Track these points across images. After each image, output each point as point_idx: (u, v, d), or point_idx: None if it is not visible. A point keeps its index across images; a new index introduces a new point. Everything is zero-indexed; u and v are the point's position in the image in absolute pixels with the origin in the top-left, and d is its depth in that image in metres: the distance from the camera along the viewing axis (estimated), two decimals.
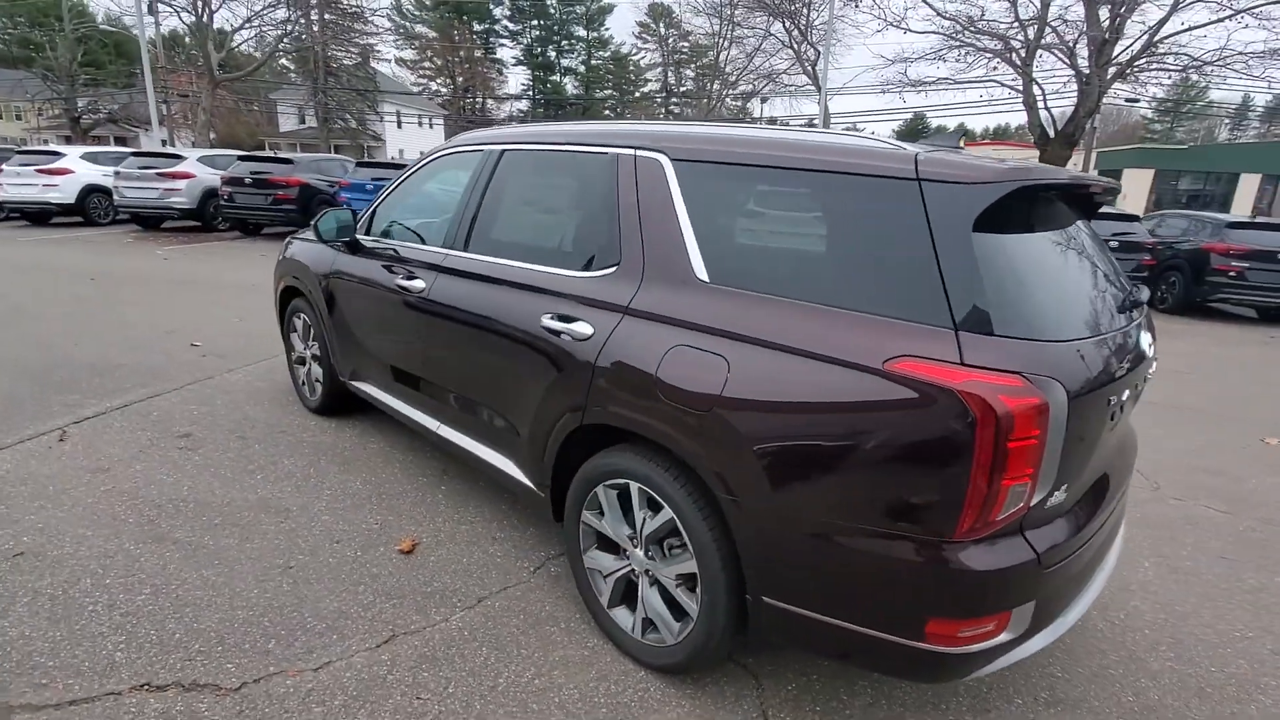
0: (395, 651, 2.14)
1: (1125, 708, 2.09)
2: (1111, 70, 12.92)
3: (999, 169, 1.55)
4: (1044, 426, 1.44)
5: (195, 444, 3.60)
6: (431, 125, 49.65)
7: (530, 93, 60.75)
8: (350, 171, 13.12)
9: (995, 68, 14.36)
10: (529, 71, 61.04)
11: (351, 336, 3.49)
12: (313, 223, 3.37)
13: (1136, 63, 12.83)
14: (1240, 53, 12.48)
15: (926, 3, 14.58)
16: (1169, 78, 13.78)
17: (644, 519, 2.04)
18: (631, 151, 2.20)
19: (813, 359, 1.62)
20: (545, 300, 2.29)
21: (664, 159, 2.09)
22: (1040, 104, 13.86)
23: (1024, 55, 13.78)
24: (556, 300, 2.26)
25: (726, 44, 43.12)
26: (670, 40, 54.67)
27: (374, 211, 3.43)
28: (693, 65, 54.33)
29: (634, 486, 2.04)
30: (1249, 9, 11.46)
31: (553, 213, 2.66)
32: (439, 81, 56.68)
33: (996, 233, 1.55)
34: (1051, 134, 13.84)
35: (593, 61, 63.51)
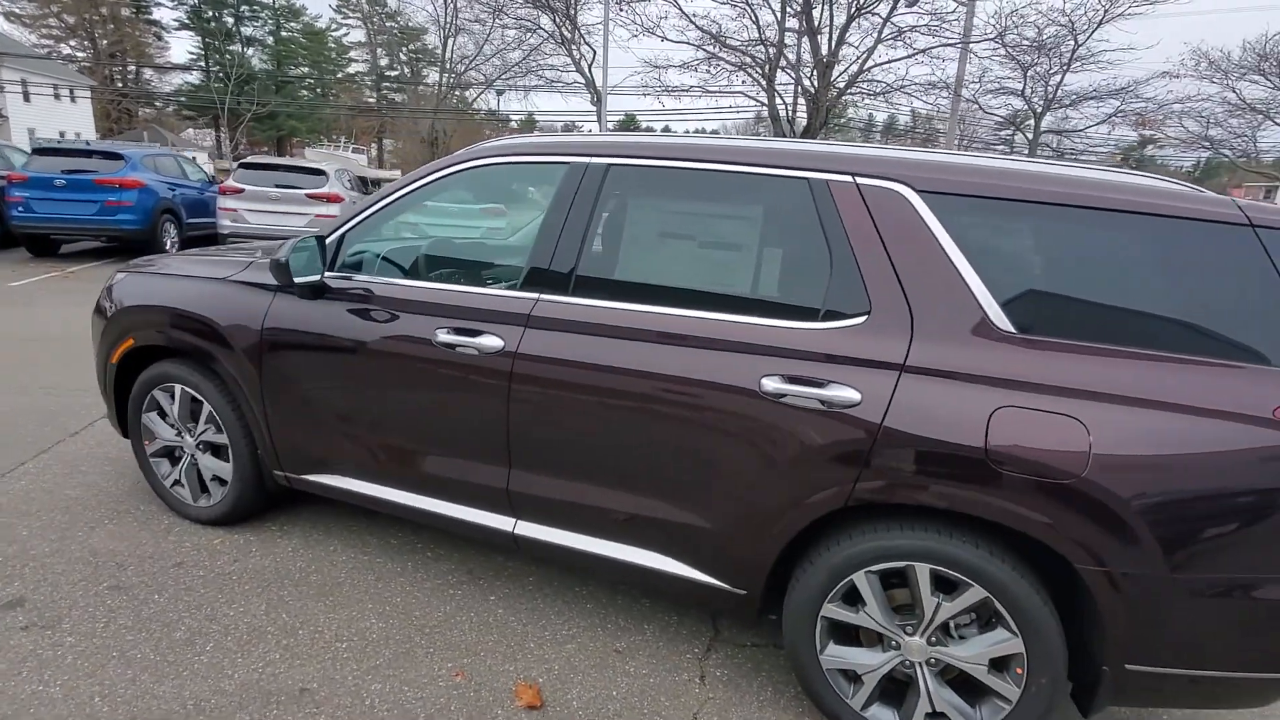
0: None
1: None
2: (833, 91, 15.36)
3: None
4: None
5: (42, 619, 2.24)
6: (74, 98, 38.46)
7: (204, 64, 50.73)
8: (30, 163, 9.52)
9: (744, 81, 16.07)
10: (199, 39, 50.80)
11: (316, 415, 2.48)
12: (276, 259, 2.27)
13: (851, 87, 15.45)
14: (914, 83, 15.87)
15: (681, 11, 15.61)
16: (874, 99, 16.81)
17: (937, 603, 1.78)
18: (845, 177, 1.88)
19: (1190, 413, 1.55)
20: (759, 360, 1.85)
21: (907, 191, 1.82)
22: (784, 115, 15.90)
23: (766, 71, 15.60)
24: (774, 359, 1.84)
25: (451, 30, 41.14)
26: (375, 19, 50.09)
27: (341, 240, 2.46)
28: (405, 49, 50.59)
29: (920, 568, 1.77)
30: (925, 49, 14.66)
31: (719, 248, 2.17)
32: (72, 44, 44.15)
33: None
34: None
35: (282, 33, 55.23)
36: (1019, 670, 1.75)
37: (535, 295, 2.12)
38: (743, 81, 16.19)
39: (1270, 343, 1.56)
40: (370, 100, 52.21)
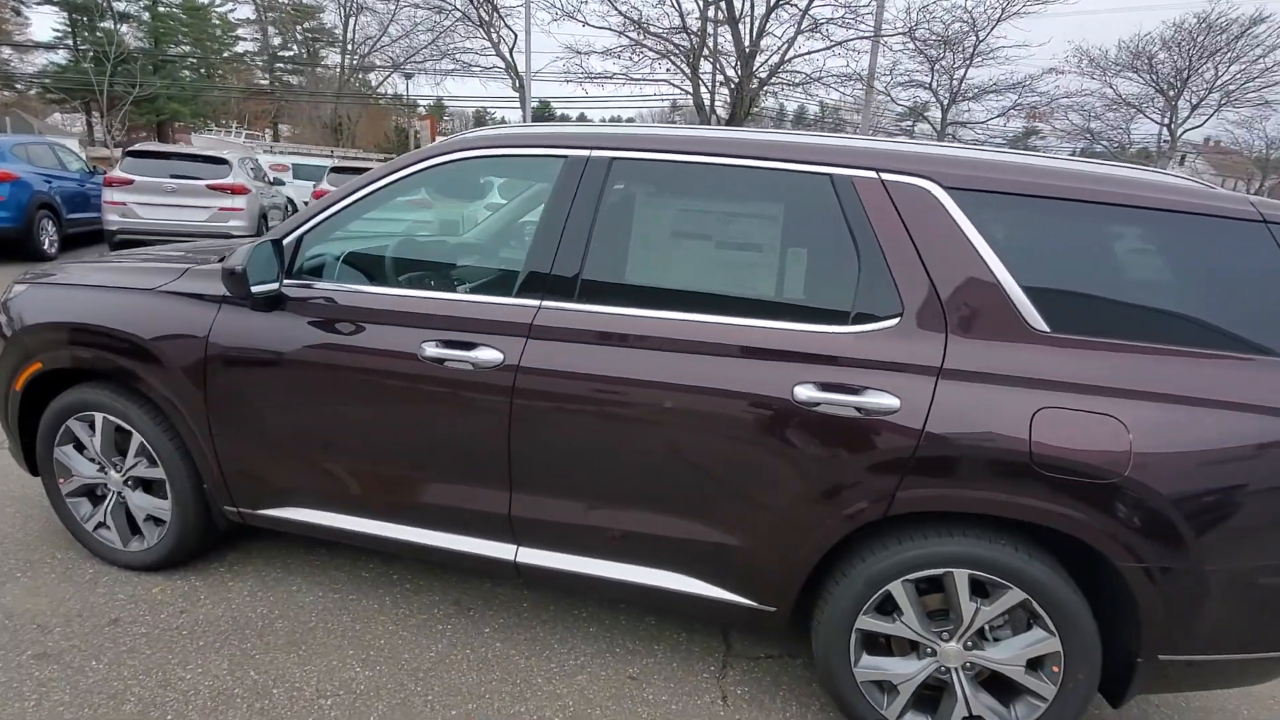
0: None
1: None
2: (755, 82, 15.54)
3: None
4: None
5: None
6: None
7: (72, 42, 45.63)
8: None
9: (668, 69, 15.99)
10: (65, 14, 45.59)
11: (276, 443, 2.19)
12: (231, 267, 1.96)
13: (774, 76, 15.67)
14: (831, 74, 16.30)
15: None
16: (794, 89, 17.11)
17: (975, 609, 1.75)
18: (870, 174, 1.80)
19: (1226, 407, 1.58)
20: (790, 367, 1.75)
21: (934, 187, 1.76)
22: (708, 105, 15.95)
23: (690, 60, 15.58)
24: (806, 366, 1.75)
25: (353, 9, 38.85)
26: None
27: (299, 242, 2.17)
28: (300, 27, 47.34)
29: (959, 574, 1.74)
30: (842, 42, 15.05)
31: (738, 248, 2.03)
32: None
33: None
34: None
35: (159, 8, 50.41)
36: (1055, 668, 1.75)
37: (537, 303, 1.94)
38: (666, 70, 16.11)
39: None
40: (263, 82, 48.58)
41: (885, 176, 1.79)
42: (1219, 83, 26.10)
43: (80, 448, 2.46)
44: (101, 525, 2.51)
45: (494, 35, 19.14)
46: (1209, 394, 1.58)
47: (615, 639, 2.33)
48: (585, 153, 1.97)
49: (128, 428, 2.35)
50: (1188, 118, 27.33)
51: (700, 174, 1.93)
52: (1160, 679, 1.74)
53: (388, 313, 2.06)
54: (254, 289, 1.99)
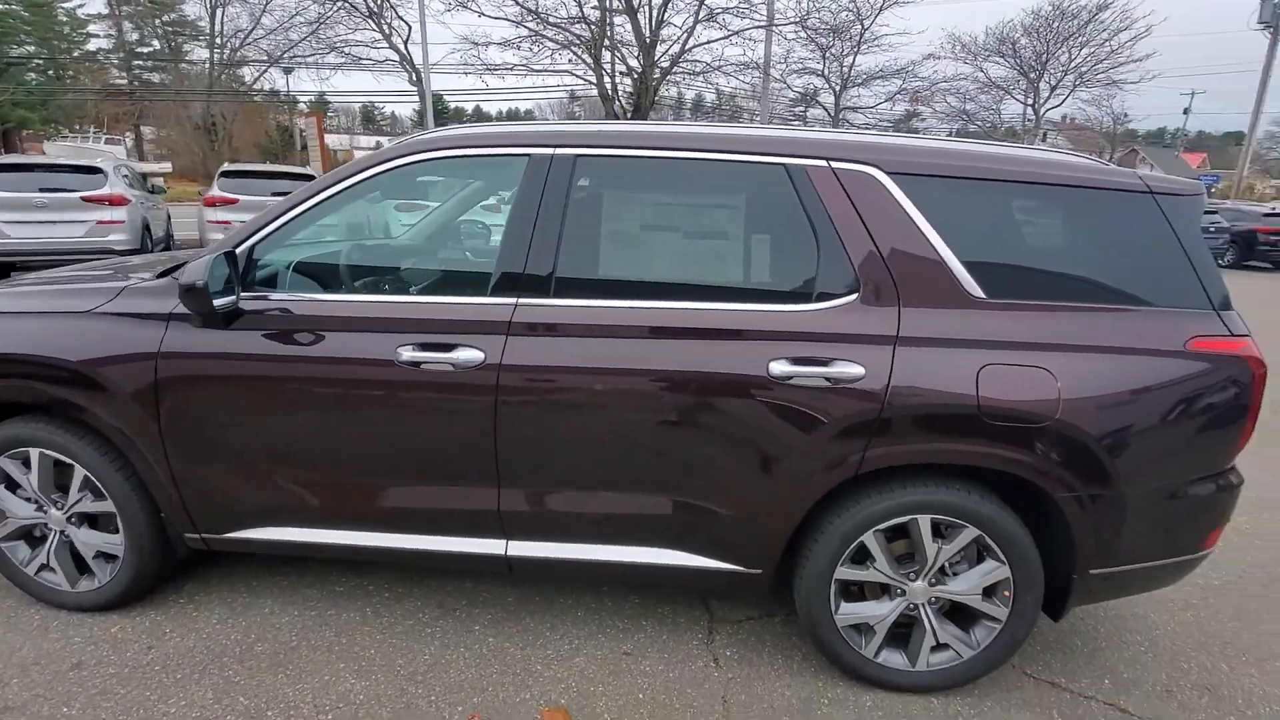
0: None
1: None
2: (658, 72, 15.74)
3: (1192, 182, 1.99)
4: None
5: None
6: None
7: None
8: None
9: (570, 60, 15.91)
10: None
11: (243, 463, 2.12)
12: (192, 284, 1.86)
13: (675, 67, 15.93)
14: (729, 63, 16.79)
15: None
16: (695, 78, 17.45)
17: (937, 549, 1.96)
18: (821, 163, 1.96)
19: (1129, 353, 1.84)
20: (764, 345, 1.89)
21: (879, 173, 1.93)
22: (613, 95, 16.00)
23: (592, 51, 15.57)
24: (779, 343, 1.89)
25: (219, 0, 36.08)
26: None
27: (250, 252, 2.10)
28: (159, 21, 43.35)
29: (922, 520, 1.94)
30: (739, 31, 15.52)
31: (705, 237, 2.13)
32: None
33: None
34: None
35: None
36: (1006, 593, 1.98)
37: (513, 300, 1.98)
38: (569, 60, 16.05)
39: (1177, 288, 1.89)
40: (121, 82, 44.23)
41: (835, 165, 1.95)
42: (1073, 65, 28.76)
43: (13, 487, 2.28)
44: (45, 568, 2.33)
45: (385, 27, 18.37)
46: (1107, 342, 1.84)
47: (605, 620, 2.41)
48: (550, 151, 2.02)
49: (68, 461, 2.20)
50: (1048, 98, 29.97)
51: (663, 168, 2.03)
52: (1092, 592, 2.01)
53: (357, 319, 2.04)
54: (217, 304, 1.91)
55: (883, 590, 2.07)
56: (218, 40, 37.91)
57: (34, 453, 2.21)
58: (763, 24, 15.74)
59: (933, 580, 2.01)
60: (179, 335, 2.06)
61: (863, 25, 20.38)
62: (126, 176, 9.66)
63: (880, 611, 2.05)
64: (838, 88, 23.69)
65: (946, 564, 2.01)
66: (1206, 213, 16.95)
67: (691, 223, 2.18)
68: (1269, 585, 2.80)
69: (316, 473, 2.12)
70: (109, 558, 2.32)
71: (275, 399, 2.07)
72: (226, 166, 10.09)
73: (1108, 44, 27.21)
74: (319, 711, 1.97)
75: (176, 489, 2.16)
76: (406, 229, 4.49)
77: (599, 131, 2.07)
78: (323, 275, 2.36)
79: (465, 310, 2.00)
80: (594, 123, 2.25)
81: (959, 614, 2.08)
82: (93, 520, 2.31)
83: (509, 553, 2.13)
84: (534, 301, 1.97)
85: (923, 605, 2.04)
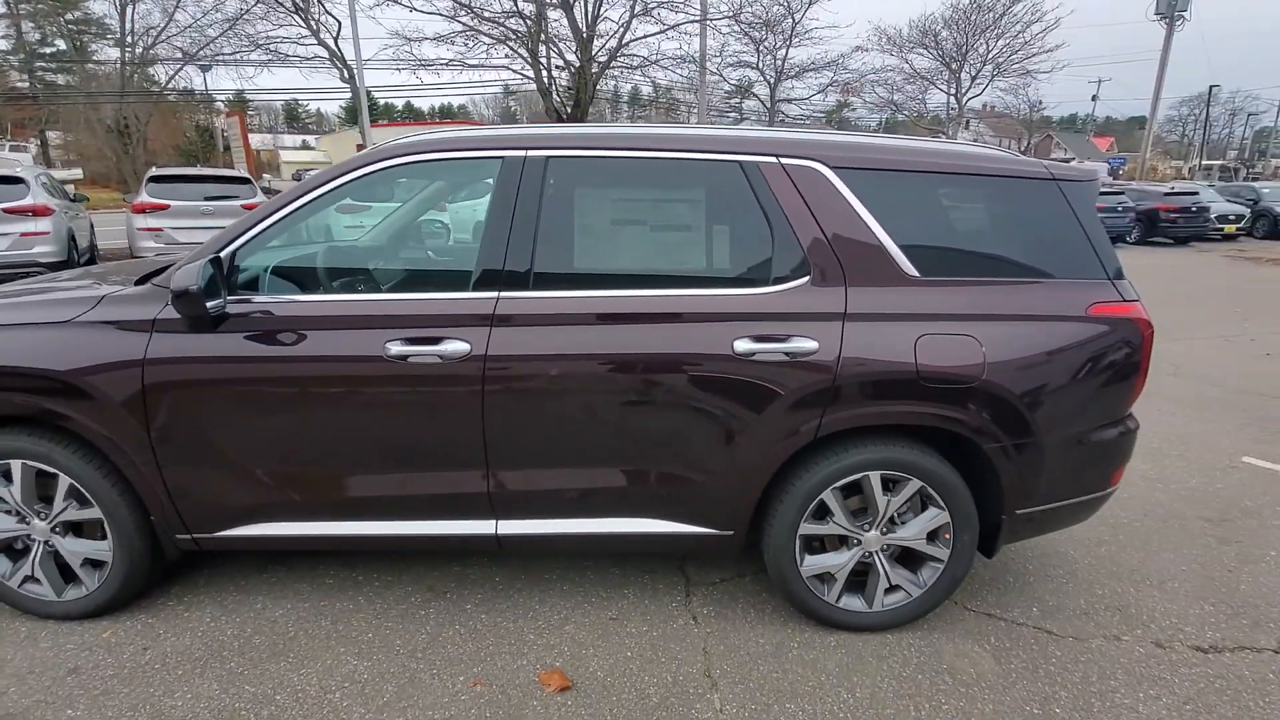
0: None
1: None
2: (596, 67, 15.83)
3: (1088, 169, 2.29)
4: None
5: None
6: None
7: None
8: None
9: (506, 55, 15.82)
10: None
11: (233, 462, 2.19)
12: (185, 289, 1.92)
13: (614, 60, 16.05)
14: (666, 56, 17.04)
15: None
16: (633, 72, 17.61)
17: (887, 501, 2.21)
18: (772, 159, 2.16)
19: (1040, 319, 2.13)
20: (729, 326, 2.09)
21: (823, 167, 2.16)
22: (550, 90, 16.00)
23: (529, 45, 15.53)
24: (741, 323, 2.09)
25: None
26: None
27: (233, 258, 2.16)
28: (61, 19, 40.47)
29: (873, 476, 2.18)
30: (674, 25, 15.76)
31: (670, 229, 2.30)
32: None
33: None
34: (564, 117, 16.21)
35: None
36: (947, 536, 2.25)
37: (495, 294, 2.12)
38: (505, 55, 15.97)
39: (1078, 261, 2.18)
40: (22, 85, 41.17)
41: (784, 160, 2.17)
42: (990, 56, 30.20)
43: None
44: (29, 579, 2.34)
45: (313, 22, 17.82)
46: (1022, 311, 2.13)
47: (589, 591, 2.58)
48: (522, 153, 2.16)
49: (52, 471, 2.22)
50: (969, 88, 31.40)
51: (629, 167, 2.20)
52: (1019, 530, 2.30)
53: (344, 318, 2.13)
54: (208, 307, 1.98)
55: (841, 541, 2.31)
56: (128, 39, 35.68)
57: (15, 464, 2.22)
58: (697, 18, 16.02)
59: (884, 529, 2.26)
60: (164, 341, 2.12)
61: (793, 19, 20.99)
62: (46, 185, 9.17)
63: (840, 561, 2.29)
64: (772, 80, 24.28)
65: (895, 514, 2.26)
66: (1113, 193, 18.29)
67: (658, 216, 2.36)
68: (1167, 520, 3.19)
69: (308, 468, 2.21)
70: (96, 564, 2.35)
71: (264, 399, 2.14)
72: (155, 171, 9.68)
73: (1021, 36, 28.75)
74: (325, 691, 2.07)
75: (167, 492, 2.21)
76: (351, 229, 4.52)
77: (568, 134, 2.22)
78: (299, 277, 2.43)
79: (450, 305, 2.12)
80: (563, 126, 2.39)
81: (908, 558, 2.34)
82: (77, 528, 2.33)
83: (499, 531, 2.27)
84: (515, 294, 2.12)
85: (876, 552, 2.29)
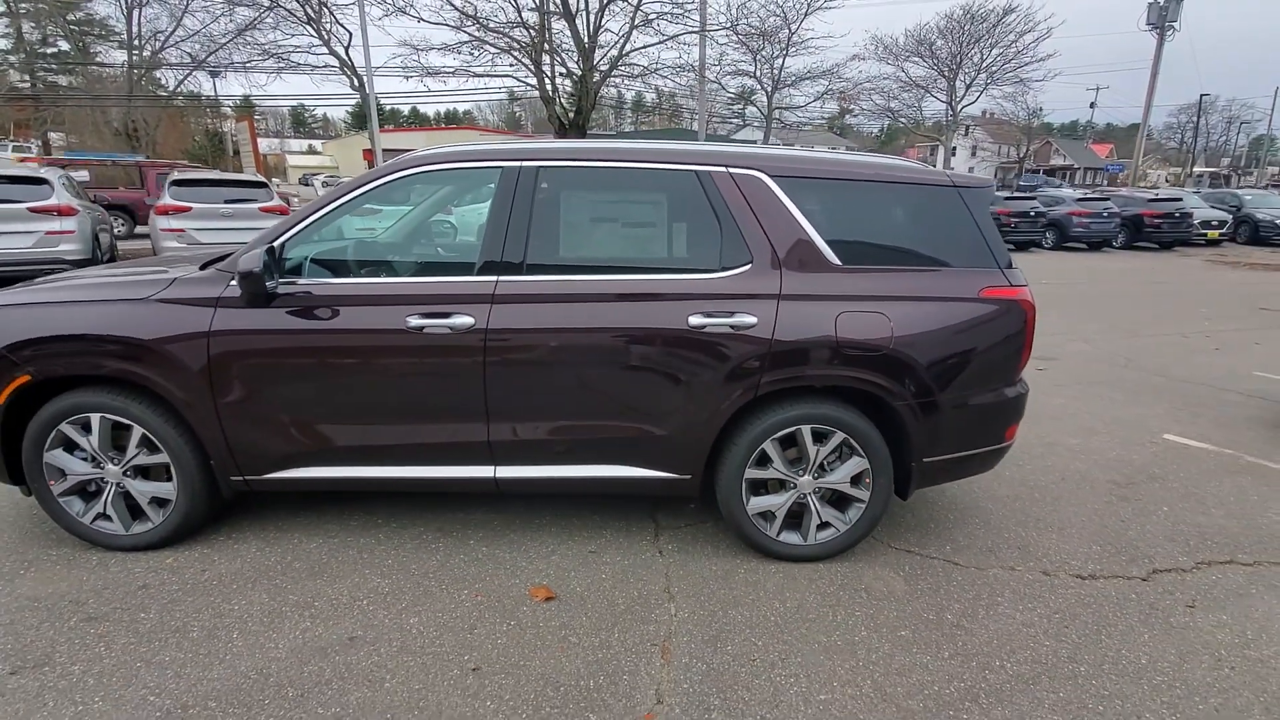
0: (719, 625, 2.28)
1: None
2: (597, 75, 16.37)
3: (985, 179, 2.77)
4: None
5: (27, 661, 2.22)
6: None
7: None
8: None
9: (511, 64, 16.37)
10: None
11: (281, 415, 2.66)
12: (250, 271, 2.40)
13: (615, 69, 16.60)
14: (666, 66, 17.59)
15: None
16: (633, 81, 18.17)
17: (816, 451, 2.68)
18: (722, 169, 2.64)
19: (939, 300, 2.60)
20: (684, 304, 2.56)
21: (764, 176, 2.64)
22: (554, 97, 16.54)
23: (533, 55, 16.08)
24: (695, 302, 2.57)
25: (134, 2, 34.59)
26: None
27: (281, 248, 2.65)
28: (63, 20, 40.93)
29: (804, 429, 2.65)
30: (674, 36, 16.32)
31: (638, 226, 2.78)
32: None
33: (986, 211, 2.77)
34: (566, 124, 16.75)
35: None
36: (867, 480, 2.72)
37: (494, 278, 2.60)
38: (510, 64, 16.51)
39: (973, 254, 2.66)
40: (23, 85, 41.74)
41: (732, 170, 2.65)
42: (984, 64, 30.72)
43: (71, 448, 2.75)
44: (101, 516, 2.81)
45: (324, 33, 18.39)
46: (924, 293, 2.60)
47: (573, 531, 3.05)
48: (518, 164, 2.65)
49: (126, 422, 2.69)
50: (964, 95, 31.90)
51: (605, 175, 2.68)
52: (927, 475, 2.77)
53: (373, 296, 2.61)
54: (265, 285, 2.47)
55: (780, 485, 2.77)
56: (135, 42, 36.20)
57: (94, 417, 2.69)
58: (696, 29, 16.54)
59: (815, 475, 2.73)
60: (226, 315, 2.60)
61: (790, 29, 21.55)
62: (68, 186, 9.69)
63: (779, 501, 2.76)
64: (770, 88, 24.84)
65: (824, 462, 2.73)
66: (1099, 199, 18.80)
67: (628, 215, 2.85)
68: (1080, 483, 3.66)
69: (341, 420, 2.69)
70: (161, 503, 2.82)
71: (306, 362, 2.62)
72: (176, 175, 10.19)
73: (1014, 45, 29.30)
74: (355, 600, 2.54)
75: (225, 440, 2.68)
76: (363, 229, 5.03)
77: (555, 148, 2.70)
78: (333, 265, 2.91)
79: (458, 286, 2.60)
80: (552, 141, 2.87)
81: (836, 499, 2.81)
82: (144, 472, 2.81)
83: (497, 475, 2.74)
84: (511, 278, 2.60)
85: (810, 494, 2.75)
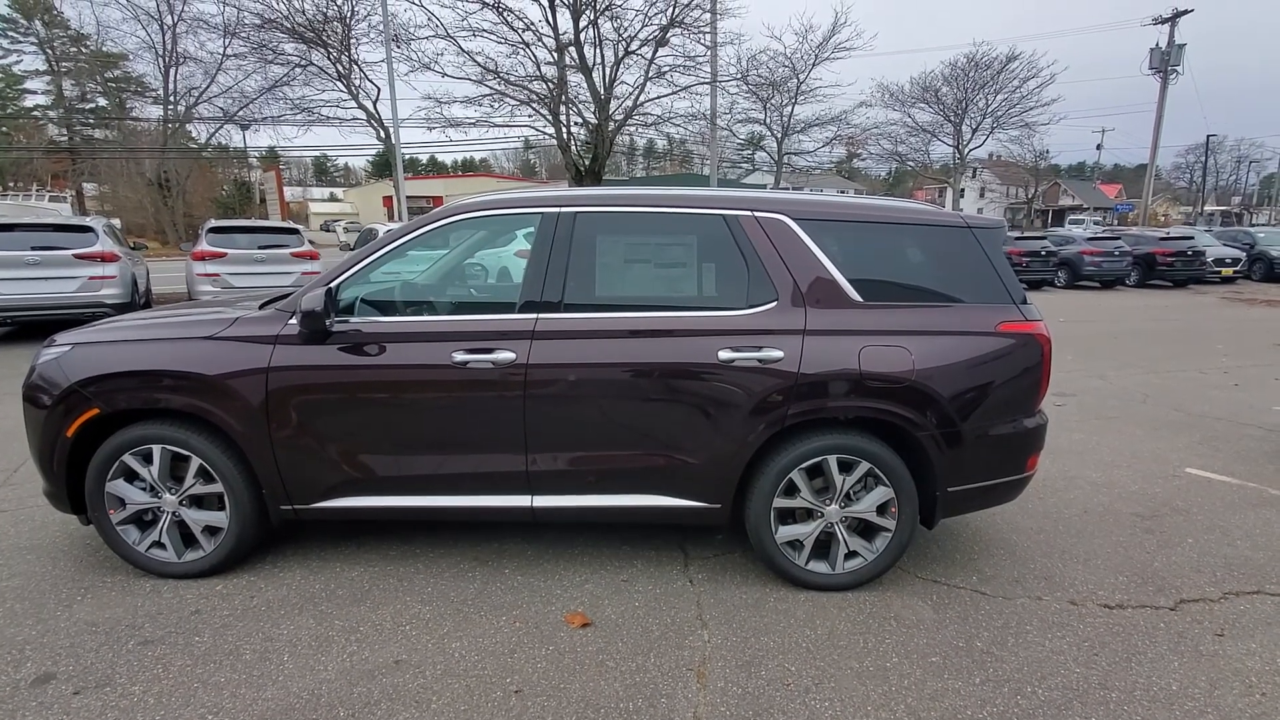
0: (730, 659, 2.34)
1: None
2: (612, 125, 16.98)
3: (997, 219, 2.92)
4: None
5: (89, 683, 2.32)
6: None
7: None
8: None
9: (530, 115, 17.02)
10: None
11: (332, 446, 2.81)
12: (311, 310, 2.59)
13: (629, 119, 17.22)
14: (679, 114, 18.21)
15: (460, 49, 16.14)
16: (647, 129, 18.79)
17: (843, 480, 2.77)
18: (748, 213, 2.81)
19: (958, 335, 2.72)
20: (714, 339, 2.70)
21: (788, 219, 2.80)
22: (573, 147, 17.12)
23: (551, 107, 16.72)
24: (724, 337, 2.70)
25: (172, 60, 36.36)
26: (57, 43, 41.96)
27: (336, 289, 2.83)
28: (101, 78, 42.89)
29: (830, 459, 2.75)
30: (686, 87, 16.94)
31: (668, 266, 2.95)
32: None
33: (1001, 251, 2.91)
34: (582, 170, 17.31)
35: None
36: (893, 510, 2.80)
37: (535, 315, 2.76)
38: (529, 115, 17.13)
39: (989, 291, 2.79)
40: (61, 139, 43.56)
41: (758, 214, 2.82)
42: (990, 109, 31.38)
43: (131, 478, 2.90)
44: (155, 544, 2.94)
45: (353, 88, 19.25)
46: (943, 328, 2.72)
47: (605, 561, 3.13)
48: (557, 210, 2.84)
49: (185, 453, 2.84)
50: (971, 139, 32.51)
51: (639, 219, 2.87)
52: (952, 505, 2.84)
53: (420, 333, 2.78)
54: (319, 325, 2.64)
55: (808, 514, 2.86)
56: (170, 98, 37.90)
57: (156, 449, 2.85)
58: (707, 80, 17.15)
59: (842, 504, 2.81)
60: (283, 352, 2.77)
61: (798, 79, 22.27)
62: (110, 233, 10.13)
63: (807, 530, 2.84)
64: (779, 134, 25.52)
65: (851, 491, 2.81)
66: (1110, 238, 18.94)
67: (660, 256, 3.02)
68: (1104, 516, 3.69)
69: (388, 450, 2.82)
70: (212, 531, 2.95)
71: (357, 396, 2.77)
72: (213, 223, 10.64)
73: (1018, 90, 29.98)
74: (399, 625, 2.63)
75: (278, 470, 2.82)
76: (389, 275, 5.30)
77: (592, 194, 2.89)
78: (380, 305, 3.09)
79: (501, 323, 2.77)
80: (588, 188, 3.07)
81: (863, 529, 2.88)
82: (198, 501, 2.94)
83: (534, 504, 2.85)
84: (550, 315, 2.76)
85: (837, 523, 2.83)
